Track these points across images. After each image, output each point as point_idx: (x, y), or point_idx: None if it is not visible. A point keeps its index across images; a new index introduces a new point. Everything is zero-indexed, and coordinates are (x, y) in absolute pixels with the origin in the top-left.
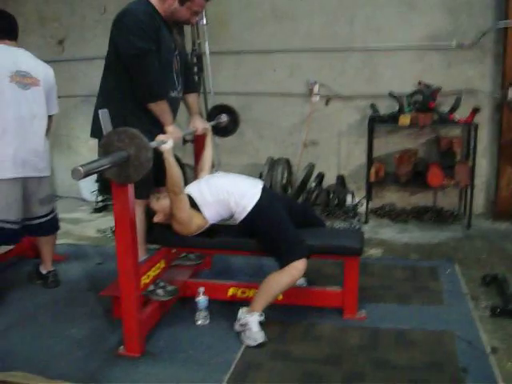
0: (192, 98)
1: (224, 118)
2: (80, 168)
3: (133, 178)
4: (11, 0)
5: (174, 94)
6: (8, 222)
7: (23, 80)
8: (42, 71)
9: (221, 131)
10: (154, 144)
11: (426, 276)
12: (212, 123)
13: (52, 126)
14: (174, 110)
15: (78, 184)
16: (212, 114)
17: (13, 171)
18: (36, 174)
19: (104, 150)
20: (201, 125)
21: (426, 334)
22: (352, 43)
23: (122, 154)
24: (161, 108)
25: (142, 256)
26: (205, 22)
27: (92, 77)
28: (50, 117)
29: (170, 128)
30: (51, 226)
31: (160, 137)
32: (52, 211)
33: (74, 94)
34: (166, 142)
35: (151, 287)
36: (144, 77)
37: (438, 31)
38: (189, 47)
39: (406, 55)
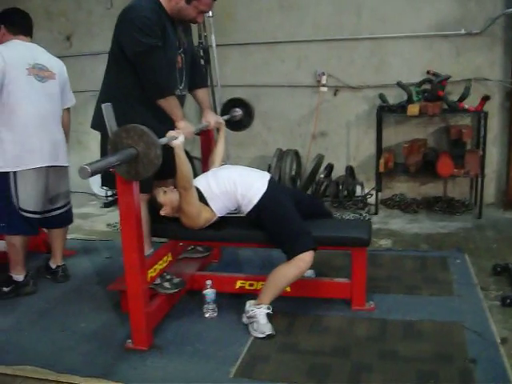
0: (202, 92)
1: (238, 111)
2: (87, 167)
3: (142, 175)
4: None
5: (177, 92)
6: (34, 213)
7: (40, 73)
8: (57, 65)
9: (235, 125)
10: (164, 140)
11: (435, 266)
12: (226, 117)
13: (69, 119)
14: None
15: (87, 179)
16: (226, 107)
17: (40, 160)
18: (58, 163)
19: (112, 147)
20: (213, 119)
21: (435, 325)
22: (359, 33)
23: (131, 152)
24: (170, 103)
25: (147, 249)
26: (211, 14)
27: (99, 72)
28: (67, 109)
29: (181, 123)
30: (66, 218)
31: (171, 133)
32: (68, 203)
33: (83, 89)
34: (177, 138)
35: (158, 280)
36: (152, 73)
37: (446, 19)
38: (195, 40)
39: (414, 44)
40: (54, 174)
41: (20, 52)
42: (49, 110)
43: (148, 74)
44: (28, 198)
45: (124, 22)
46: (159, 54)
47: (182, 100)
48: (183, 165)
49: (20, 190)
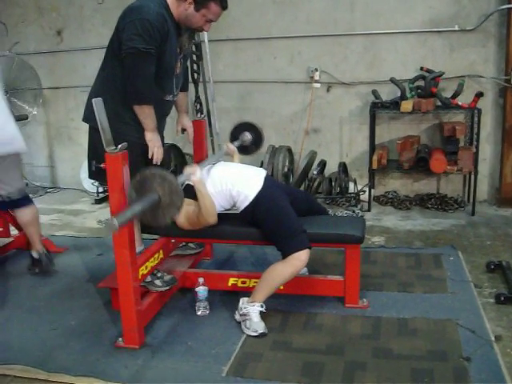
0: (182, 95)
1: (248, 136)
2: (115, 222)
3: (161, 219)
4: None
5: (169, 98)
6: None
7: None
8: None
9: (244, 150)
10: (182, 178)
11: (429, 264)
12: (236, 144)
13: None
14: (166, 113)
15: (78, 175)
16: (234, 132)
17: None
18: None
19: (134, 191)
20: (188, 123)
21: (429, 322)
22: (353, 29)
23: (154, 198)
24: (144, 112)
25: (138, 247)
26: None
27: (91, 67)
28: None
29: (148, 135)
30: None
31: (187, 170)
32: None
33: (73, 85)
34: (195, 174)
35: (149, 278)
36: (135, 78)
37: (439, 15)
38: None
39: (408, 40)
40: None
41: None
42: None
43: (131, 77)
44: None
45: (126, 20)
46: (148, 61)
47: (170, 105)
48: (206, 199)
49: None
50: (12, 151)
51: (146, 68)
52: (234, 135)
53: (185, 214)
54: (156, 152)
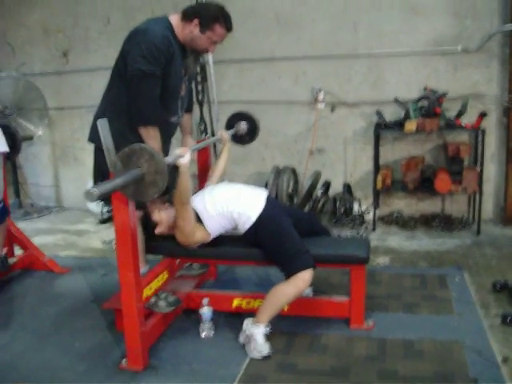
0: (186, 117)
1: (243, 125)
2: (94, 190)
3: (147, 196)
4: (16, 12)
5: (174, 119)
6: None
7: None
8: None
9: (239, 139)
10: (170, 159)
11: (434, 284)
12: (230, 132)
13: None
14: (171, 134)
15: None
16: (230, 122)
17: None
18: None
19: (117, 168)
20: (192, 144)
21: (435, 343)
22: (356, 49)
23: (136, 173)
24: (149, 134)
25: (142, 267)
26: None
27: (96, 88)
28: None
29: None
30: (2, 215)
31: (177, 151)
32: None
33: (79, 105)
34: (184, 157)
35: (153, 299)
36: (140, 99)
37: (443, 36)
38: None
39: (411, 61)
40: None
41: None
42: None
43: (136, 98)
44: None
45: (132, 42)
46: (153, 83)
47: (176, 126)
48: (186, 182)
49: None
50: None
51: (151, 90)
52: (230, 123)
53: (165, 221)
54: None
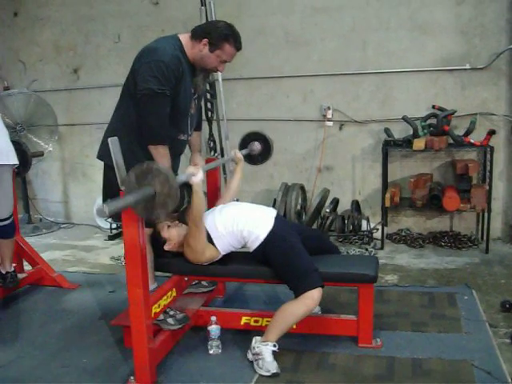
0: (195, 135)
1: (257, 146)
2: (105, 207)
3: (159, 214)
4: (29, 31)
5: (183, 137)
6: None
7: None
8: None
9: (251, 159)
10: (183, 178)
11: (443, 303)
12: (244, 152)
13: None
14: (180, 152)
15: (92, 211)
16: (244, 142)
17: None
18: None
19: (129, 186)
20: (201, 162)
21: (444, 363)
22: (365, 68)
23: (148, 191)
24: (159, 152)
25: (151, 284)
26: None
27: (106, 104)
28: None
29: None
30: (11, 229)
31: (189, 169)
32: (11, 215)
33: (89, 122)
34: (196, 175)
35: (161, 316)
36: (150, 118)
37: (451, 54)
38: None
39: (420, 79)
40: None
41: None
42: None
43: (146, 117)
44: None
45: (142, 61)
46: (163, 102)
47: (185, 144)
48: (199, 200)
49: None
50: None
51: (161, 109)
52: (244, 143)
53: (175, 238)
54: None
